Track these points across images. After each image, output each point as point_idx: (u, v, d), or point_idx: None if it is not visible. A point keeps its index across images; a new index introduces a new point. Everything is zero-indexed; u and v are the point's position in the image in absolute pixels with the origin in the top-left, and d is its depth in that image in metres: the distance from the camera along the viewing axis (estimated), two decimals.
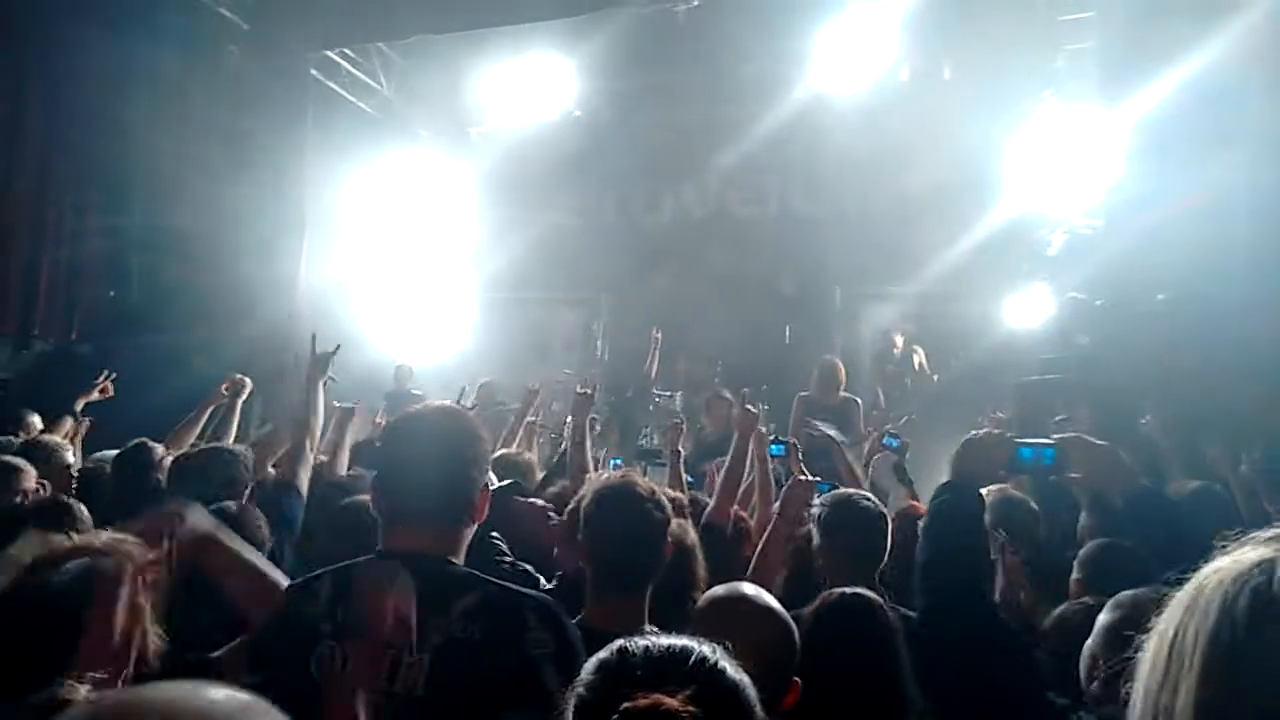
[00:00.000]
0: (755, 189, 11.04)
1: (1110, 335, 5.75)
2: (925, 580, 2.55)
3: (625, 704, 1.21)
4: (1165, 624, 0.94)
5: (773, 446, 4.78)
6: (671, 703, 1.20)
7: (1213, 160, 5.12)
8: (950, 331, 9.53)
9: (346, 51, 10.03)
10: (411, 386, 7.80)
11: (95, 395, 5.44)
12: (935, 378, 9.29)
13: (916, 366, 9.29)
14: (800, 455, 4.55)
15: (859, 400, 7.58)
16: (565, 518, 2.69)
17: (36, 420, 5.41)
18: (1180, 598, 0.94)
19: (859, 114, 9.53)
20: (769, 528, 3.45)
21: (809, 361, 9.33)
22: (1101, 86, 6.68)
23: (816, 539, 3.10)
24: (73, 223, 8.14)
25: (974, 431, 2.69)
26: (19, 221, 7.77)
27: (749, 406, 4.35)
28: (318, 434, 3.79)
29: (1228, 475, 3.87)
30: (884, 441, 5.16)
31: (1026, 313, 8.62)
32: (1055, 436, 2.57)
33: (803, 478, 3.64)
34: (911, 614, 2.59)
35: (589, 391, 4.66)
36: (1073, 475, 2.78)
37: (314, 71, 9.71)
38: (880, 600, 2.36)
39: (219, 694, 0.87)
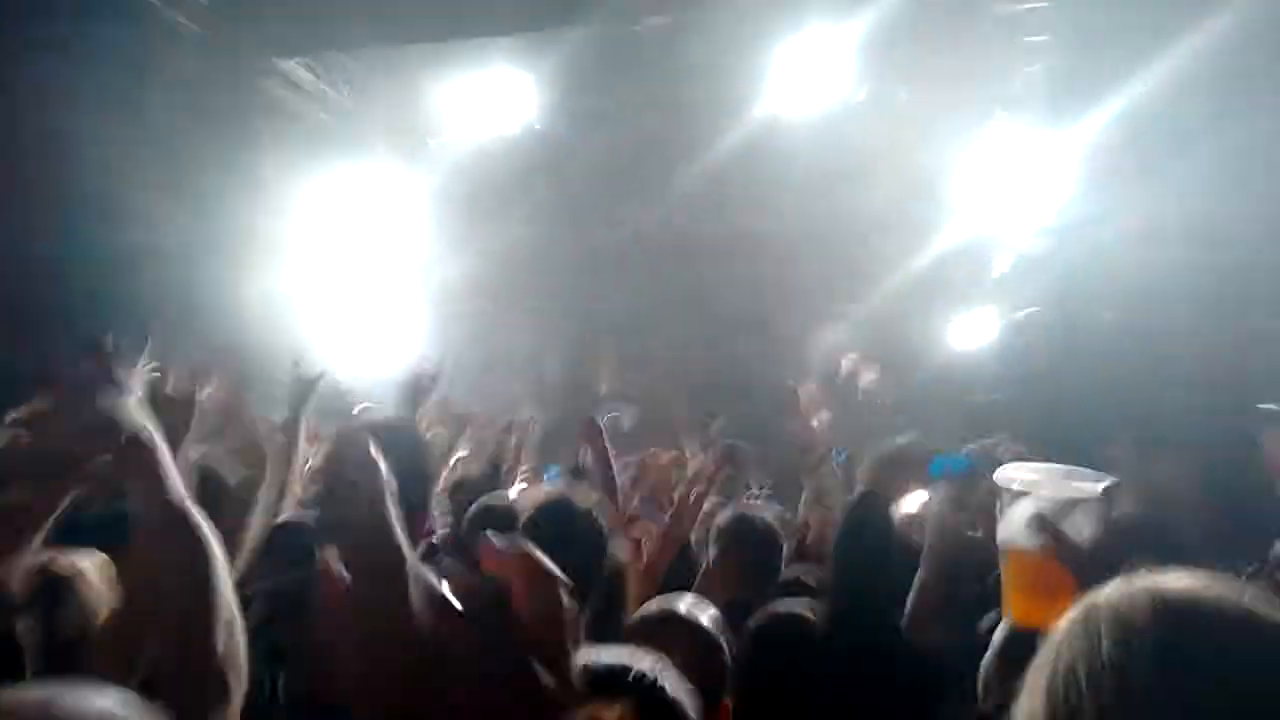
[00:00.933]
0: (712, 207, 11.07)
1: (1057, 353, 5.84)
2: (831, 593, 2.56)
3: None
4: (1045, 654, 0.96)
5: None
6: (609, 715, 1.19)
7: (1152, 185, 5.24)
8: (901, 351, 9.60)
9: (304, 60, 9.92)
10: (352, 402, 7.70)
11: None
12: (885, 399, 9.35)
13: (866, 387, 9.33)
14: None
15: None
16: None
17: None
18: (1053, 635, 0.96)
19: (817, 134, 9.60)
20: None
21: (763, 380, 9.38)
22: (1051, 110, 6.81)
23: (712, 554, 3.13)
24: (11, 240, 7.91)
25: (887, 444, 2.72)
26: None
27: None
28: (300, 468, 3.59)
29: (1179, 494, 3.89)
30: (833, 456, 5.22)
31: (974, 333, 8.72)
32: (966, 449, 2.61)
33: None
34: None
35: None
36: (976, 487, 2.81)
37: (269, 80, 9.59)
38: (812, 622, 2.35)
39: (92, 698, 0.84)
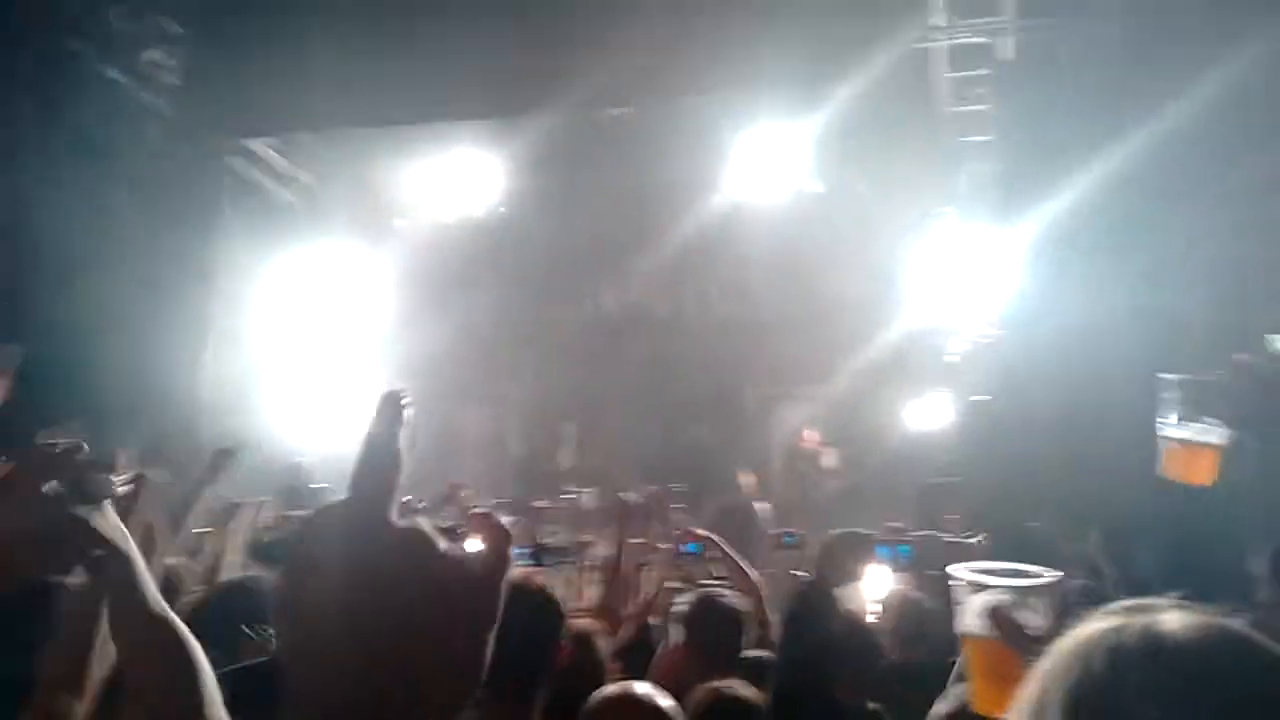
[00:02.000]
0: (673, 290, 11.27)
1: (1004, 440, 5.97)
2: (777, 675, 2.61)
3: None
4: (1028, 692, 0.97)
5: (690, 545, 4.78)
6: None
7: (1093, 281, 5.45)
8: (857, 434, 9.75)
9: (270, 140, 10.03)
10: (311, 481, 7.61)
11: None
12: (840, 482, 9.45)
13: (825, 467, 9.45)
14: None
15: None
16: None
17: None
18: (1042, 664, 0.97)
19: (775, 222, 9.89)
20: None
21: (725, 460, 9.43)
22: (999, 206, 7.08)
23: (676, 636, 3.14)
24: None
25: (833, 531, 2.78)
26: None
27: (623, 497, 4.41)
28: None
29: (1104, 571, 3.99)
30: (784, 540, 5.27)
31: (929, 417, 8.89)
32: (912, 535, 2.69)
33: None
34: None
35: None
36: (930, 572, 2.89)
37: (235, 160, 9.68)
38: (755, 701, 2.38)
39: None
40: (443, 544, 0.64)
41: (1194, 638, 0.90)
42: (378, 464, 0.64)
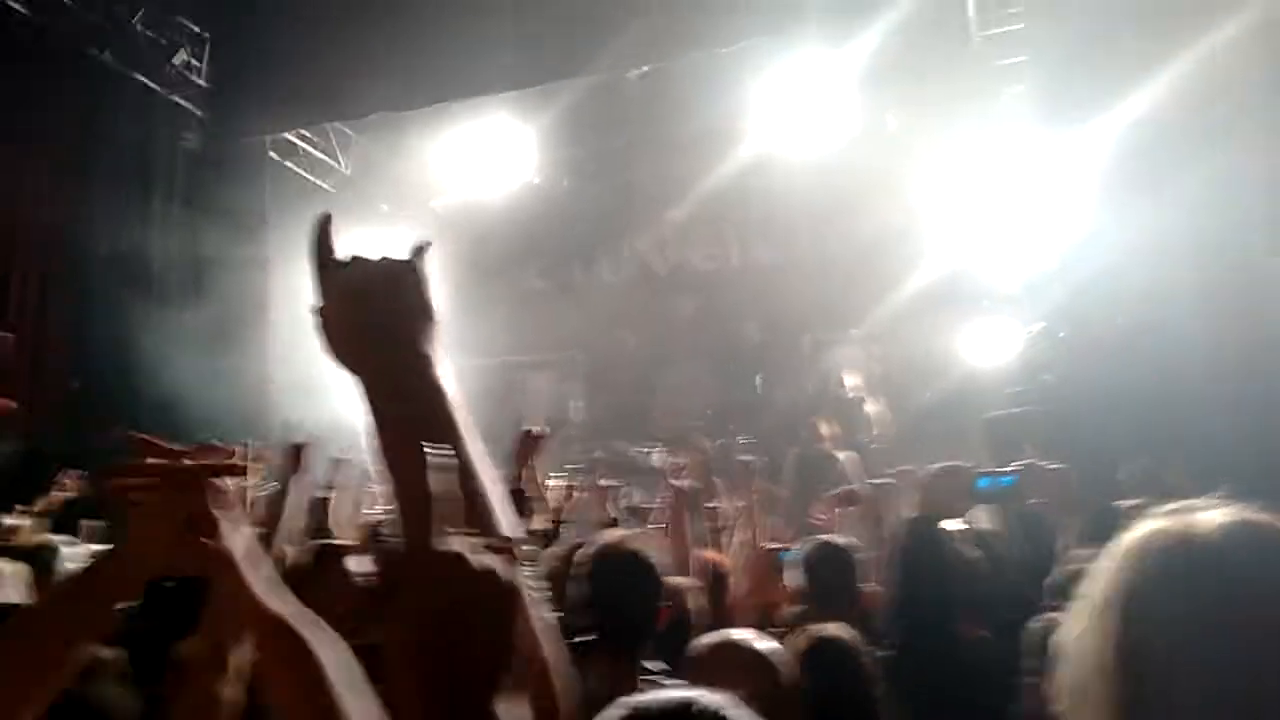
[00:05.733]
0: (715, 241, 11.24)
1: (1072, 367, 5.88)
2: (898, 619, 2.61)
3: None
4: (1092, 589, 1.09)
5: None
6: None
7: (1155, 202, 5.32)
8: (915, 370, 9.65)
9: (303, 130, 10.13)
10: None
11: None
12: (891, 428, 9.21)
13: (867, 413, 9.20)
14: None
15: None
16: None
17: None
18: (1102, 563, 1.09)
19: (810, 164, 9.76)
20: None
21: (782, 408, 9.39)
22: (1040, 129, 6.91)
23: (799, 580, 3.16)
24: (31, 316, 8.05)
25: (933, 465, 2.76)
26: None
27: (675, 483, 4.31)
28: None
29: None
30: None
31: (988, 348, 8.78)
32: (1012, 465, 2.66)
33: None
34: (886, 653, 2.64)
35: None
36: (1032, 501, 2.87)
37: (271, 153, 9.80)
38: (853, 639, 2.39)
39: None
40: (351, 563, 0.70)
41: (1223, 536, 1.03)
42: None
